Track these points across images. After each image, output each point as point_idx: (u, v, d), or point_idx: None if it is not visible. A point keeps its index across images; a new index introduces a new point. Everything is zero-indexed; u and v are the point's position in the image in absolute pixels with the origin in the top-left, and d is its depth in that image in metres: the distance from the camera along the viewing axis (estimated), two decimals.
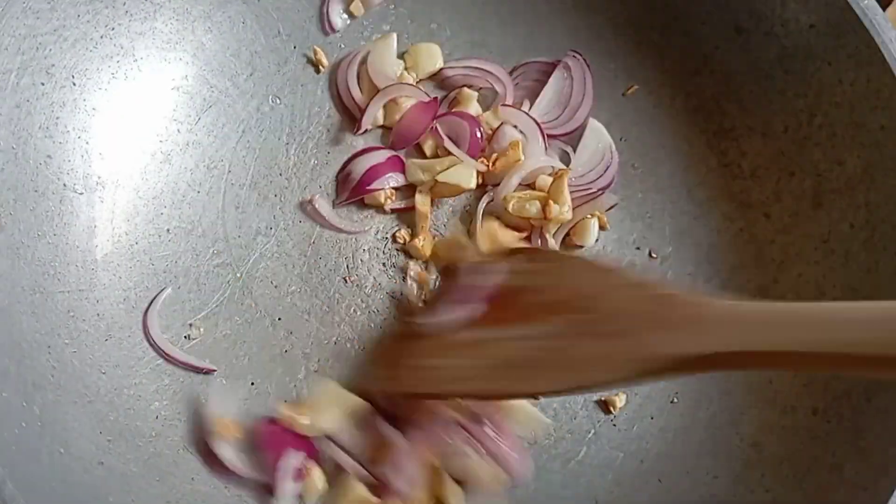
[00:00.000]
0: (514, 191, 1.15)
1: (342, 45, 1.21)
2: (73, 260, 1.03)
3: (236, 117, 1.16)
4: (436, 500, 1.01)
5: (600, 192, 1.18)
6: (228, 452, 1.01)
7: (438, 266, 1.12)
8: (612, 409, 1.10)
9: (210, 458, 1.01)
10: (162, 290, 1.08)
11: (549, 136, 1.20)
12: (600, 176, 1.19)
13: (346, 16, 1.22)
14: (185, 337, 1.07)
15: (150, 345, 1.05)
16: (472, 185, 1.15)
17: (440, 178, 1.13)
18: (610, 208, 1.17)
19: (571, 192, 1.15)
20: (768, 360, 0.74)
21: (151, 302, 1.07)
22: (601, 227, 1.17)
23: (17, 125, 0.99)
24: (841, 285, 1.06)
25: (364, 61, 1.20)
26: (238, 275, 1.11)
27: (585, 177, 1.19)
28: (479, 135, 1.16)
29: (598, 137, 1.20)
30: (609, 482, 1.06)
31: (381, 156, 1.16)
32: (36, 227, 1.00)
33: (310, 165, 1.17)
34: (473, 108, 1.19)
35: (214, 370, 1.06)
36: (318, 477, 1.01)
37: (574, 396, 1.10)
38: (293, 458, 1.00)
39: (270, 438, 1.02)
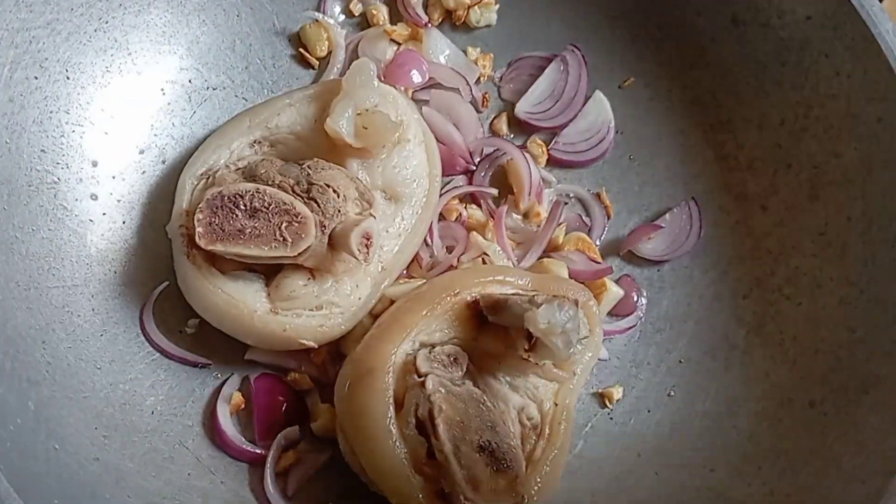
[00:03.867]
0: None
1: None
2: (68, 255, 1.03)
3: (231, 111, 1.15)
4: None
5: (588, 162, 1.19)
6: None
7: None
8: (608, 402, 1.10)
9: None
10: (157, 285, 1.07)
11: (537, 128, 1.21)
12: (592, 147, 1.20)
13: (339, 9, 1.22)
14: (180, 332, 1.07)
15: (146, 339, 1.05)
16: None
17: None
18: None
19: (560, 157, 1.19)
20: None
21: (147, 297, 1.06)
22: (608, 217, 1.19)
23: (11, 119, 0.99)
24: (838, 277, 1.05)
25: (355, 51, 1.20)
26: None
27: (576, 145, 1.20)
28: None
29: (599, 110, 1.21)
30: (606, 475, 1.06)
31: None
32: (30, 222, 1.00)
33: None
34: None
35: (210, 364, 1.06)
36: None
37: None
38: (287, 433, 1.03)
39: (264, 392, 1.05)
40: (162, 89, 1.13)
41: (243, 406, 1.05)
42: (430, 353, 0.94)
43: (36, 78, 1.02)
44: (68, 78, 1.05)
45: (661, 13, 1.19)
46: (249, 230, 0.96)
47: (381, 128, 1.02)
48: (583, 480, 1.06)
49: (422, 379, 0.91)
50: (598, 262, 1.14)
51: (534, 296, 0.92)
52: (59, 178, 1.04)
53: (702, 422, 1.07)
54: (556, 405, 0.99)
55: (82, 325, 1.01)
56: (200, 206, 0.96)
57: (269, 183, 0.99)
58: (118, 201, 1.08)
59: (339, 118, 1.01)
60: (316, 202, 0.98)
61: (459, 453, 0.87)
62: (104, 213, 1.07)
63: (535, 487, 0.93)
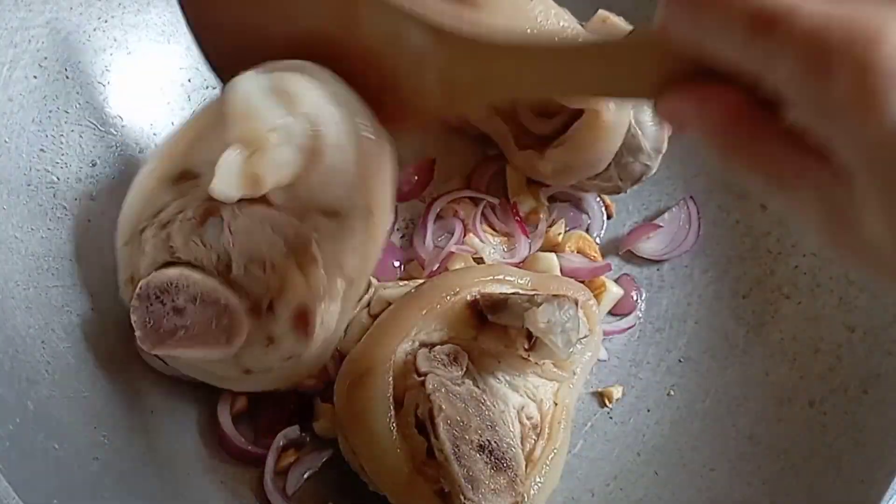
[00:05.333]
0: None
1: None
2: (68, 254, 1.03)
3: None
4: None
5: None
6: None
7: None
8: (607, 401, 1.10)
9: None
10: None
11: None
12: None
13: None
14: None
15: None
16: None
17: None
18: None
19: None
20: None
21: None
22: (609, 217, 1.19)
23: (10, 119, 0.99)
24: (837, 276, 1.06)
25: None
26: None
27: None
28: None
29: None
30: (605, 475, 1.06)
31: None
32: (29, 222, 1.00)
33: None
34: None
35: None
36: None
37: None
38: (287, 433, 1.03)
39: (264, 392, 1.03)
40: (161, 89, 1.13)
41: (243, 406, 1.05)
42: (429, 352, 0.94)
43: (35, 77, 1.02)
44: (67, 77, 1.05)
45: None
46: (183, 330, 0.89)
47: (280, 165, 0.83)
48: (582, 480, 1.06)
49: (422, 378, 0.91)
50: (597, 261, 1.14)
51: (534, 295, 0.92)
52: (58, 178, 1.03)
53: (702, 421, 1.08)
54: (556, 405, 0.99)
55: (82, 324, 1.01)
56: (133, 302, 0.90)
57: (190, 261, 0.90)
58: (118, 200, 1.07)
59: (227, 178, 0.81)
60: (239, 284, 0.88)
61: (459, 453, 0.87)
62: (103, 213, 1.07)
63: (535, 487, 0.93)
